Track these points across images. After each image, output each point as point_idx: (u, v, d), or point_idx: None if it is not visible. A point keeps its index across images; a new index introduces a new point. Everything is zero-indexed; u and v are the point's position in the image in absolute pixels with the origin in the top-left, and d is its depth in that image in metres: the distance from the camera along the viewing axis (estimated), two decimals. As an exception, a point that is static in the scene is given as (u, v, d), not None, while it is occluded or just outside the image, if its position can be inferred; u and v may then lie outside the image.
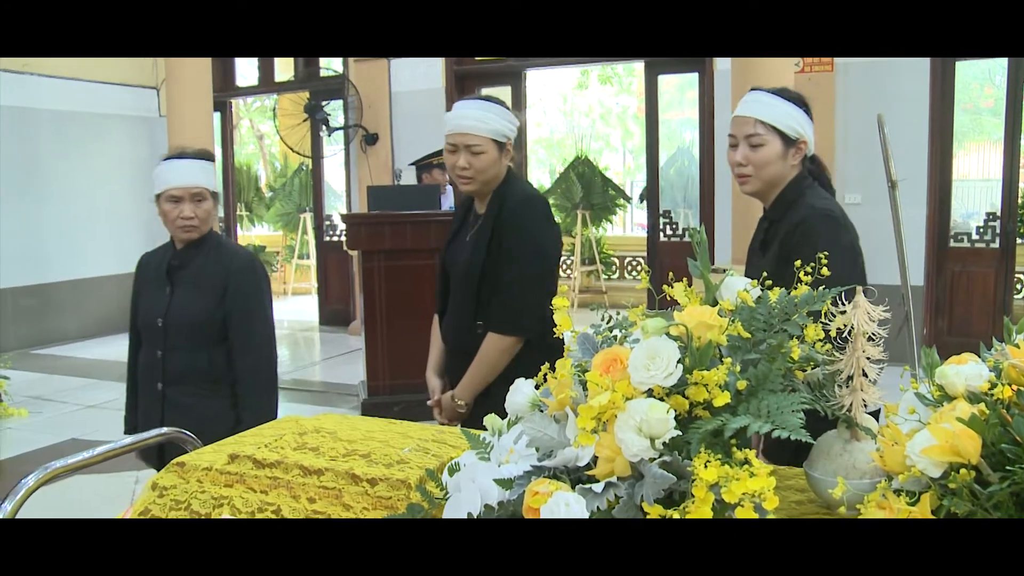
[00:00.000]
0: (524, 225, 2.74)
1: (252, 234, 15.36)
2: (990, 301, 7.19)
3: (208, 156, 2.92)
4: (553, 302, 1.37)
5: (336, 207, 12.80)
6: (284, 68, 10.73)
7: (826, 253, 1.41)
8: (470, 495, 1.21)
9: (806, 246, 2.05)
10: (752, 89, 2.37)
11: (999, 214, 7.32)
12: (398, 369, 6.06)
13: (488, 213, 2.79)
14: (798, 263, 1.40)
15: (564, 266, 12.46)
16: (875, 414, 1.37)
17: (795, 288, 1.34)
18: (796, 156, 2.31)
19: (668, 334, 1.17)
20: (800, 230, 2.18)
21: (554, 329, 2.57)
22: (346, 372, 7.83)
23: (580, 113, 19.59)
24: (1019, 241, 8.43)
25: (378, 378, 6.08)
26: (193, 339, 2.82)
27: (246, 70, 11.03)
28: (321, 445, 1.65)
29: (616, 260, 12.48)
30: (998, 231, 7.27)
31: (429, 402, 2.97)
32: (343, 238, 9.53)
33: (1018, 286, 9.00)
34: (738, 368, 1.16)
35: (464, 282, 2.80)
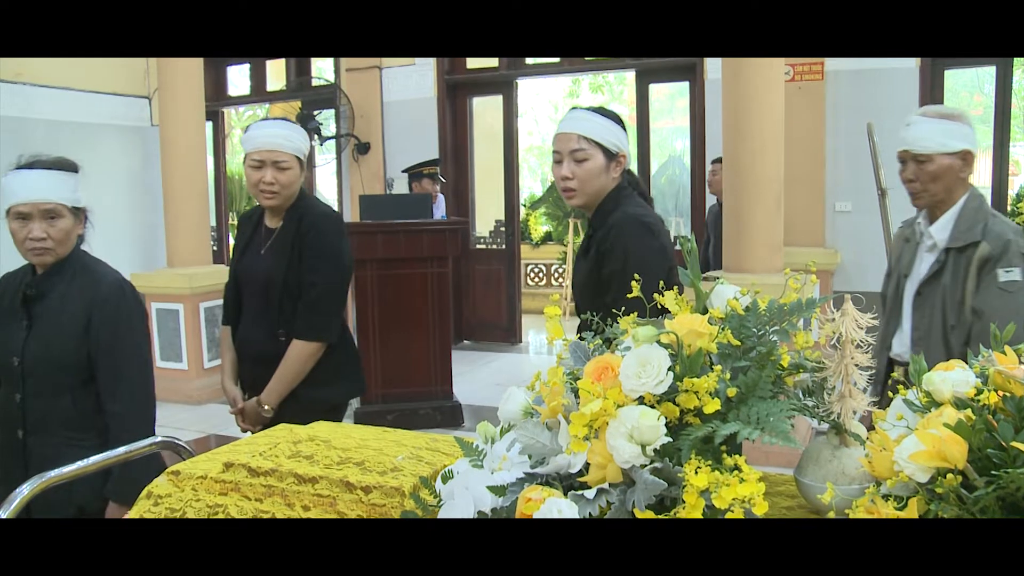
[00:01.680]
0: (326, 238, 2.94)
1: (244, 243, 15.33)
2: (980, 308, 7.21)
3: (68, 167, 2.49)
4: (544, 310, 1.38)
5: (328, 216, 12.78)
6: (276, 77, 10.72)
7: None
8: (463, 502, 1.22)
9: (617, 248, 2.36)
10: (572, 108, 2.55)
11: (988, 221, 7.36)
12: (391, 378, 6.07)
13: (286, 227, 2.97)
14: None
15: (556, 275, 12.49)
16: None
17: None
18: (616, 169, 2.51)
19: (659, 342, 1.18)
20: (612, 234, 2.40)
21: (345, 332, 2.91)
22: (339, 381, 7.81)
23: (571, 122, 19.58)
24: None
25: (371, 387, 6.07)
26: (55, 381, 2.44)
27: (238, 79, 11.02)
28: (315, 453, 1.66)
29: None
30: (988, 238, 7.30)
31: (231, 410, 3.08)
32: (336, 247, 9.51)
33: (1008, 293, 9.01)
34: (728, 375, 1.17)
35: (263, 293, 2.96)
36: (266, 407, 2.93)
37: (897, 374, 2.70)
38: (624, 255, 2.35)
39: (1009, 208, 7.94)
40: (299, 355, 2.89)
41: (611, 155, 2.47)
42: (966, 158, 2.55)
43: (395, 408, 6.03)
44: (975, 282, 2.50)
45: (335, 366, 3.00)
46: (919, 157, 2.54)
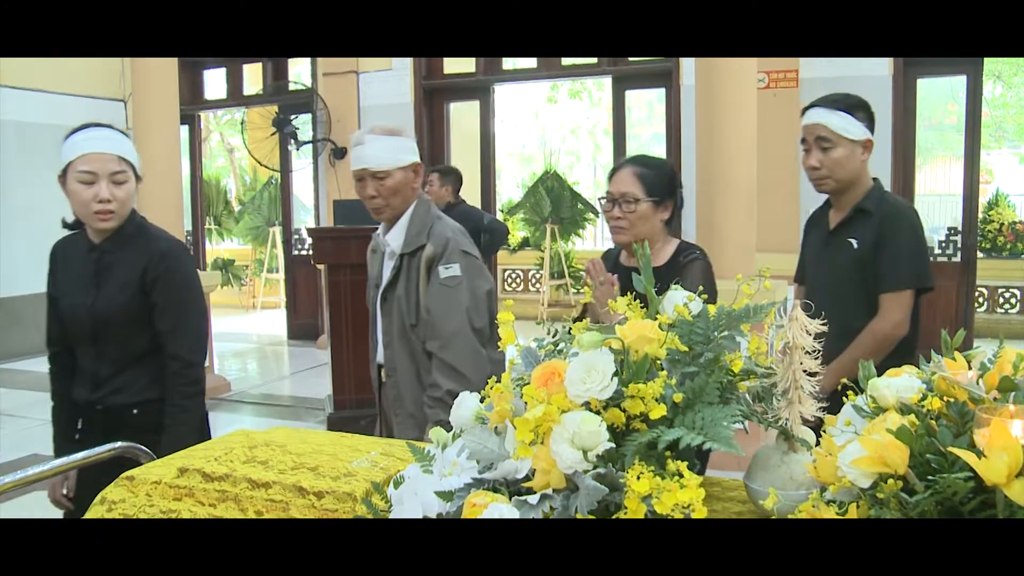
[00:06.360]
0: None
1: (221, 248, 15.30)
2: (952, 314, 7.28)
3: None
4: (498, 316, 1.38)
5: (305, 221, 12.77)
6: (253, 81, 10.68)
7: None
8: (412, 507, 1.22)
9: (178, 274, 2.57)
10: (93, 127, 2.57)
11: (960, 228, 7.42)
12: (364, 383, 6.03)
13: None
14: None
15: (534, 280, 12.48)
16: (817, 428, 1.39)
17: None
18: (138, 189, 2.66)
19: (611, 348, 1.18)
20: (166, 263, 2.56)
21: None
22: (314, 386, 7.80)
23: (551, 128, 19.64)
24: (980, 255, 8.53)
25: (344, 392, 6.06)
26: None
27: (214, 83, 10.97)
28: (271, 458, 1.65)
29: (585, 274, 12.45)
30: (959, 245, 7.37)
31: None
32: (311, 252, 9.51)
33: (979, 299, 9.11)
34: (674, 381, 1.18)
35: None
36: None
37: None
38: (184, 282, 2.59)
39: (981, 215, 8.00)
40: None
41: (138, 177, 2.61)
42: (416, 170, 2.78)
43: (368, 413, 5.99)
44: (426, 281, 2.70)
45: None
46: (378, 174, 2.72)
